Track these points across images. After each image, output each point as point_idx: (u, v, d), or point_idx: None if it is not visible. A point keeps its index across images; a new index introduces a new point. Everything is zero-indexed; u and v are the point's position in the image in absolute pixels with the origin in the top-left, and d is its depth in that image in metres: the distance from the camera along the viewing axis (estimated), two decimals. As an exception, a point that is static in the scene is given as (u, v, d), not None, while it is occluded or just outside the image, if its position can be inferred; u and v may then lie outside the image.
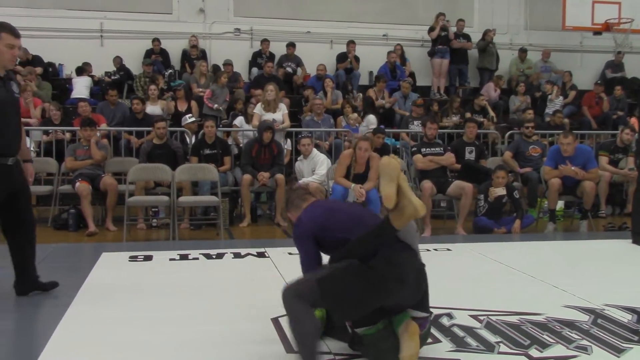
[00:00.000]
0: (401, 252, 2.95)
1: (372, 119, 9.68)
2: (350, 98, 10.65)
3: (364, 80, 12.48)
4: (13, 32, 3.92)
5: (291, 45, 12.14)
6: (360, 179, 7.16)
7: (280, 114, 8.88)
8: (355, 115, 9.70)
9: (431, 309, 3.13)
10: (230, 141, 8.90)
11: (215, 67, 11.35)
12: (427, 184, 7.32)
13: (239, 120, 9.34)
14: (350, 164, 7.17)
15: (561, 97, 11.84)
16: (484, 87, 12.22)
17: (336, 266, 2.94)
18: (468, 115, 10.21)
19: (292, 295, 2.84)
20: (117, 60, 11.51)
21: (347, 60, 12.02)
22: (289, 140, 9.09)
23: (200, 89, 10.75)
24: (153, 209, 7.90)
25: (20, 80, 10.47)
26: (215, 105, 9.99)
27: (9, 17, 11.52)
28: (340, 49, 12.38)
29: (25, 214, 4.20)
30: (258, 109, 8.91)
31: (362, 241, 2.93)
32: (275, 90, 8.93)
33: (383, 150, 8.24)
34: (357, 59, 12.13)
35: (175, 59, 12.15)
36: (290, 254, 5.57)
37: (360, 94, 11.22)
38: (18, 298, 4.14)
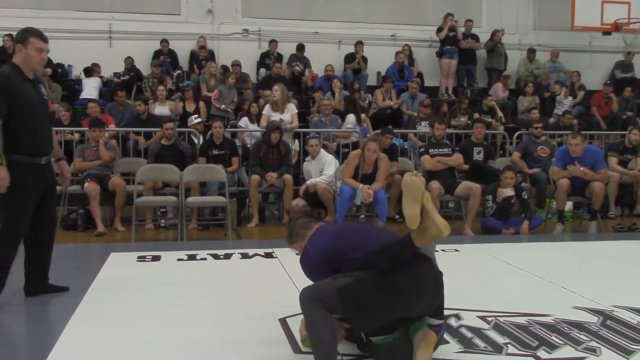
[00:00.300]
0: (419, 262, 2.90)
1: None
2: (358, 98, 10.64)
3: (372, 80, 12.47)
4: (41, 36, 4.07)
5: (300, 48, 12.13)
6: (369, 179, 7.16)
7: (289, 114, 8.88)
8: (363, 115, 9.68)
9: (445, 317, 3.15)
10: (237, 142, 8.90)
11: (224, 68, 11.37)
12: (435, 185, 7.31)
13: (244, 121, 9.36)
14: (359, 165, 7.16)
15: (570, 98, 11.79)
16: (492, 88, 12.19)
17: (356, 276, 2.83)
18: (476, 115, 10.19)
19: (311, 299, 2.76)
20: (128, 61, 11.54)
21: (355, 61, 12.02)
22: (296, 140, 9.09)
23: (210, 91, 10.77)
24: (161, 210, 7.92)
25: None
26: (222, 106, 10.01)
27: (18, 19, 11.67)
28: (348, 49, 12.38)
29: (50, 214, 4.31)
30: (267, 109, 8.92)
31: (383, 254, 2.87)
32: (281, 91, 8.93)
33: (391, 151, 8.23)
34: (365, 59, 12.13)
35: (183, 59, 12.18)
36: (298, 254, 5.59)
37: (369, 95, 11.21)
38: (27, 298, 4.15)
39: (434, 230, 2.73)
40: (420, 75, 12.38)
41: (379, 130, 8.91)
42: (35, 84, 4.15)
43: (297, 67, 12.11)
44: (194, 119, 9.11)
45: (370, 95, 11.23)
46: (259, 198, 7.94)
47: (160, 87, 10.02)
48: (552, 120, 10.57)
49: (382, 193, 7.11)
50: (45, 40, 4.10)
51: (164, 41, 11.85)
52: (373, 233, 3.13)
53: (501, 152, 9.88)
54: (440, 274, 2.99)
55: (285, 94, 9.17)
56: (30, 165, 3.98)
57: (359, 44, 12.12)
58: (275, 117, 8.66)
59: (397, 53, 12.21)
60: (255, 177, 7.70)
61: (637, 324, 3.62)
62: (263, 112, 8.95)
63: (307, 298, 2.77)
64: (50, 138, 4.21)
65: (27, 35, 4.04)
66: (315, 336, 2.74)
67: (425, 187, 2.81)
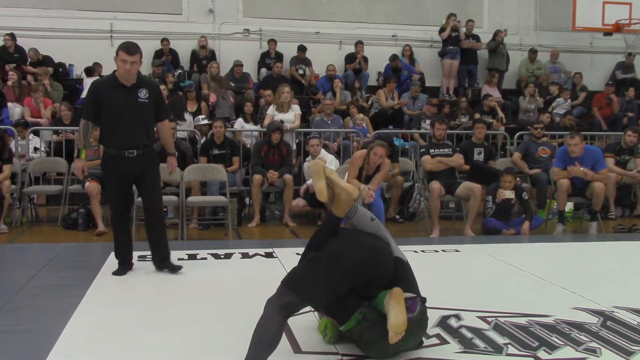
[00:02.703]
0: (352, 236, 3.12)
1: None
2: (359, 97, 10.65)
3: (373, 81, 12.47)
4: (128, 50, 4.65)
5: (302, 48, 12.12)
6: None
7: (293, 114, 8.89)
8: (361, 115, 9.69)
9: (424, 296, 3.16)
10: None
11: (215, 78, 11.12)
12: (436, 185, 7.30)
13: (239, 122, 9.37)
14: (362, 166, 7.07)
15: (569, 101, 11.77)
16: (484, 88, 12.16)
17: (296, 265, 3.14)
18: (477, 116, 10.19)
19: (268, 302, 2.93)
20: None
21: (355, 61, 12.02)
22: (298, 140, 9.09)
23: (212, 91, 10.76)
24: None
25: (31, 81, 10.55)
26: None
27: (20, 18, 11.69)
28: (349, 49, 12.39)
29: (150, 201, 4.96)
30: (271, 109, 8.93)
31: (315, 235, 3.12)
32: (290, 92, 8.97)
33: (391, 152, 8.20)
34: (365, 59, 12.13)
35: (184, 59, 12.18)
36: (298, 254, 5.59)
37: (373, 96, 11.20)
38: (26, 297, 4.16)
39: (344, 195, 3.01)
40: (421, 75, 12.36)
41: (379, 131, 8.90)
42: (131, 89, 4.73)
43: (300, 70, 12.09)
44: (201, 120, 9.11)
45: (373, 95, 11.22)
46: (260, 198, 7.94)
47: (162, 87, 10.00)
48: (546, 117, 10.53)
49: (376, 194, 7.03)
50: (130, 53, 4.63)
51: (165, 40, 11.85)
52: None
53: (502, 152, 9.88)
54: (386, 245, 3.14)
55: (291, 94, 9.20)
56: (116, 156, 4.72)
57: (359, 43, 12.13)
58: (280, 117, 8.67)
59: (392, 56, 12.20)
60: (257, 177, 7.70)
61: (638, 324, 3.62)
62: (267, 112, 8.96)
63: (267, 303, 2.94)
64: (141, 134, 4.79)
65: (118, 48, 4.70)
66: (258, 329, 2.84)
67: (326, 168, 3.10)
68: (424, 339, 3.23)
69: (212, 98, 10.23)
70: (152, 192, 4.99)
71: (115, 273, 4.84)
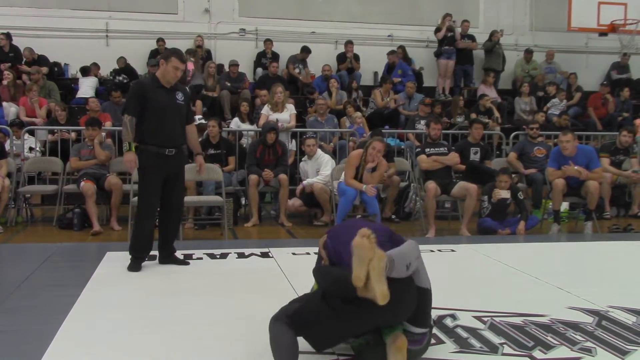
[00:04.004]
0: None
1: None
2: (355, 98, 10.66)
3: (366, 80, 12.48)
4: (181, 57, 5.01)
5: (304, 49, 12.12)
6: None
7: (288, 114, 8.88)
8: (359, 113, 9.69)
9: (432, 322, 3.12)
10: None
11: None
12: (432, 185, 7.31)
13: (235, 122, 9.35)
14: (359, 164, 7.03)
15: (565, 101, 11.79)
16: (480, 88, 12.19)
17: (305, 300, 3.01)
18: (473, 116, 10.20)
19: (273, 320, 2.88)
20: (122, 61, 11.53)
21: (347, 61, 12.01)
22: (294, 140, 9.09)
23: (208, 90, 10.78)
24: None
25: (26, 80, 10.53)
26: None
27: (16, 17, 11.67)
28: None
29: (177, 198, 5.21)
30: (265, 109, 8.91)
31: (329, 283, 2.93)
32: (283, 92, 8.96)
33: (387, 152, 8.20)
34: (357, 58, 12.13)
35: (180, 59, 12.14)
36: (294, 254, 5.60)
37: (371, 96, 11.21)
38: (21, 297, 4.15)
39: (372, 294, 2.70)
40: (418, 75, 12.37)
41: (375, 130, 8.89)
42: (170, 91, 5.01)
43: (297, 69, 12.09)
44: (197, 120, 9.08)
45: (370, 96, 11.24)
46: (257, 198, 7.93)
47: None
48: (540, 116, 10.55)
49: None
50: (183, 61, 5.05)
51: (161, 40, 11.84)
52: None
53: (497, 152, 9.89)
54: (409, 282, 2.91)
55: (285, 94, 9.19)
56: (155, 154, 4.93)
57: (349, 43, 12.13)
58: (275, 117, 8.65)
59: (388, 54, 12.21)
60: (253, 177, 7.69)
61: (632, 324, 3.63)
62: (262, 112, 8.94)
63: (271, 322, 2.88)
64: (179, 134, 5.08)
65: (170, 55, 5.01)
66: (274, 342, 2.82)
67: (374, 252, 2.69)
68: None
69: (190, 66, 10.19)
70: (180, 191, 5.30)
71: (131, 268, 4.95)
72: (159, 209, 5.21)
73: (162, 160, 4.98)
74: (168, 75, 4.97)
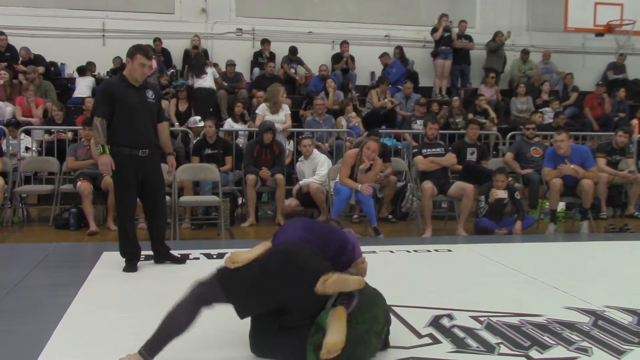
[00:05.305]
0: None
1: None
2: (350, 98, 10.67)
3: (362, 80, 12.49)
4: (146, 54, 4.86)
5: (292, 51, 12.14)
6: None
7: (283, 115, 8.87)
8: (354, 113, 9.69)
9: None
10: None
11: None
12: (428, 185, 7.31)
13: (228, 122, 9.34)
14: (355, 164, 7.03)
15: (560, 108, 11.79)
16: (480, 88, 12.19)
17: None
18: (470, 116, 10.21)
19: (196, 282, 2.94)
20: (118, 60, 11.49)
21: (342, 60, 12.02)
22: (291, 141, 9.08)
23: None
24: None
25: (22, 80, 10.50)
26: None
27: (12, 16, 11.63)
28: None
29: (156, 198, 5.12)
30: (261, 109, 8.89)
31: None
32: (276, 92, 8.94)
33: (383, 152, 8.20)
34: (352, 59, 12.13)
35: (177, 58, 12.15)
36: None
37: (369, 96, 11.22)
38: (18, 298, 4.14)
39: (354, 286, 2.87)
40: (415, 75, 12.38)
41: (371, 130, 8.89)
42: (140, 90, 4.90)
43: (292, 69, 12.09)
44: (197, 121, 9.07)
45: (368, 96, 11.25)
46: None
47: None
48: (537, 116, 10.57)
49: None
50: (149, 57, 4.86)
51: (157, 40, 11.82)
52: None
53: (494, 152, 9.90)
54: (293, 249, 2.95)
55: (281, 94, 9.15)
56: (128, 156, 4.83)
57: (345, 43, 12.13)
58: (269, 118, 8.64)
59: (382, 55, 12.20)
60: (251, 177, 7.68)
61: (629, 324, 3.64)
62: (257, 112, 8.93)
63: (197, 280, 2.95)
64: (151, 134, 4.98)
65: (135, 51, 4.84)
66: (171, 311, 2.88)
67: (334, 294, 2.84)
68: (417, 337, 3.25)
69: (154, 64, 10.22)
70: (159, 190, 5.17)
71: (127, 270, 4.93)
72: (145, 214, 5.22)
73: (136, 161, 4.89)
74: (135, 73, 4.85)
